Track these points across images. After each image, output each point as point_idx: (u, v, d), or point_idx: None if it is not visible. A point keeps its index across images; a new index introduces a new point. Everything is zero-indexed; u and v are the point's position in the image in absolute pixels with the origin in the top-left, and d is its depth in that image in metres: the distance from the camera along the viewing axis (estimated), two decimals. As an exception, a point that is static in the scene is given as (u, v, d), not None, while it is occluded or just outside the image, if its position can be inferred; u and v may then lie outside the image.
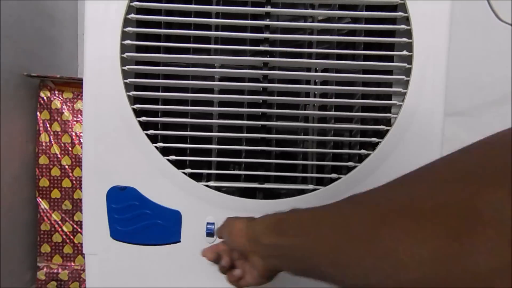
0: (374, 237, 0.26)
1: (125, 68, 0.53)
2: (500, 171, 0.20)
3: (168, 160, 0.54)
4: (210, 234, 0.55)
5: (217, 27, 0.56)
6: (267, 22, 0.54)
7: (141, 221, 0.55)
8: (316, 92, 0.58)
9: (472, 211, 0.20)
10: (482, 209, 0.20)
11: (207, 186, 0.55)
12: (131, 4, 0.53)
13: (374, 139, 0.54)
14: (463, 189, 0.21)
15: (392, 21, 0.54)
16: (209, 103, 0.56)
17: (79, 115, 1.03)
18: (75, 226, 1.04)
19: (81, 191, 0.91)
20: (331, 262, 0.30)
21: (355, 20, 0.57)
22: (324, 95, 0.58)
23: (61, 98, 1.03)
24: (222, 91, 0.55)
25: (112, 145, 0.54)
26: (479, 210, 0.20)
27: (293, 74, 0.56)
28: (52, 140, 1.02)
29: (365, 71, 0.55)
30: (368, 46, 0.56)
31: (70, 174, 1.03)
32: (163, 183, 0.55)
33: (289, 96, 0.56)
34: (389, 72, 0.55)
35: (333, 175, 0.55)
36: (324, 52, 0.57)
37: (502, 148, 0.22)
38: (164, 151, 0.54)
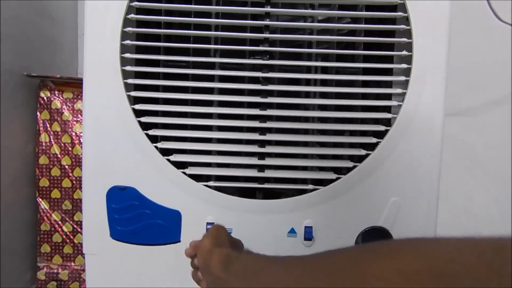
0: None
1: (125, 68, 0.53)
2: None
3: (168, 160, 0.54)
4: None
5: (217, 27, 0.56)
6: (267, 22, 0.54)
7: (141, 221, 0.55)
8: (316, 93, 0.58)
9: None
10: None
11: (207, 186, 0.55)
12: (131, 4, 0.53)
13: (374, 139, 0.54)
14: None
15: (392, 21, 0.54)
16: (209, 103, 0.56)
17: (79, 115, 1.03)
18: (75, 226, 1.04)
19: (81, 191, 0.91)
20: None
21: (355, 20, 0.57)
22: (324, 95, 0.58)
23: (61, 98, 1.03)
24: (222, 91, 0.55)
25: (112, 145, 0.54)
26: None
27: (293, 75, 0.56)
28: (52, 140, 1.02)
29: (365, 71, 0.56)
30: (368, 46, 0.56)
31: (70, 174, 1.03)
32: (163, 183, 0.55)
33: (289, 96, 0.56)
34: (389, 72, 0.55)
35: (333, 175, 0.55)
36: (324, 52, 0.57)
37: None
38: (164, 151, 0.54)
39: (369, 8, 0.55)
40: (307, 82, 0.58)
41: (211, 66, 0.56)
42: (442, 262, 0.23)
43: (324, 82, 0.58)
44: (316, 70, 0.58)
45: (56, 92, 1.02)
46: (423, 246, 0.26)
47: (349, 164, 0.55)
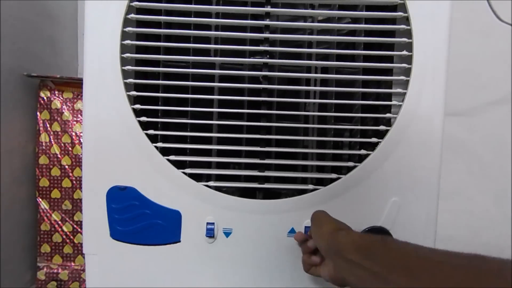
0: None
1: (125, 68, 0.53)
2: None
3: (168, 160, 0.54)
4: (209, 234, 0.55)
5: (217, 27, 0.56)
6: (267, 22, 0.54)
7: (141, 221, 0.55)
8: (316, 92, 0.58)
9: None
10: None
11: (207, 186, 0.55)
12: (131, 4, 0.53)
13: (374, 139, 0.54)
14: None
15: (392, 21, 0.54)
16: (209, 103, 0.56)
17: (79, 115, 1.03)
18: (75, 226, 1.04)
19: (81, 191, 0.91)
20: None
21: (355, 20, 0.57)
22: (324, 95, 0.58)
23: (61, 98, 1.03)
24: (222, 91, 0.55)
25: (112, 145, 0.54)
26: None
27: (293, 75, 0.56)
28: (52, 140, 1.02)
29: (365, 71, 0.56)
30: (368, 46, 0.56)
31: (70, 174, 1.03)
32: (163, 183, 0.55)
33: (289, 96, 0.56)
34: (389, 72, 0.55)
35: (333, 175, 0.55)
36: (324, 52, 0.57)
37: None
38: (164, 151, 0.54)
39: (369, 8, 0.55)
40: (307, 82, 0.58)
41: (211, 65, 0.56)
42: None
43: (324, 82, 0.58)
44: (316, 70, 0.58)
45: (56, 92, 1.02)
46: None
47: (349, 164, 0.55)
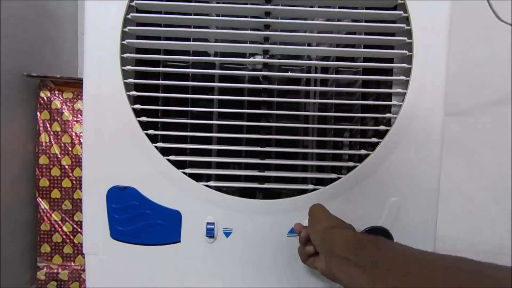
0: None
1: (125, 68, 0.53)
2: None
3: (168, 160, 0.54)
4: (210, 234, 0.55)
5: (217, 27, 0.56)
6: (267, 23, 0.54)
7: (141, 221, 0.55)
8: (316, 92, 0.58)
9: None
10: None
11: (207, 186, 0.55)
12: (131, 4, 0.53)
13: (374, 139, 0.54)
14: None
15: (392, 21, 0.54)
16: (209, 103, 0.56)
17: (79, 115, 1.02)
18: (75, 226, 1.04)
19: (81, 191, 0.91)
20: None
21: (355, 20, 0.57)
22: (324, 95, 0.58)
23: (61, 98, 1.02)
24: (222, 91, 0.55)
25: (112, 145, 0.54)
26: None
27: (293, 75, 0.56)
28: (52, 140, 1.02)
29: (365, 71, 0.56)
30: (368, 46, 0.56)
31: (70, 174, 1.03)
32: (163, 183, 0.55)
33: (289, 96, 0.56)
34: (389, 72, 0.55)
35: (333, 175, 0.55)
36: (324, 50, 0.57)
37: None
38: (164, 151, 0.54)
39: (369, 8, 0.55)
40: (307, 82, 0.58)
41: (211, 65, 0.56)
42: None
43: (324, 82, 0.58)
44: (316, 70, 0.58)
45: (56, 92, 1.02)
46: None
47: (349, 164, 0.55)
